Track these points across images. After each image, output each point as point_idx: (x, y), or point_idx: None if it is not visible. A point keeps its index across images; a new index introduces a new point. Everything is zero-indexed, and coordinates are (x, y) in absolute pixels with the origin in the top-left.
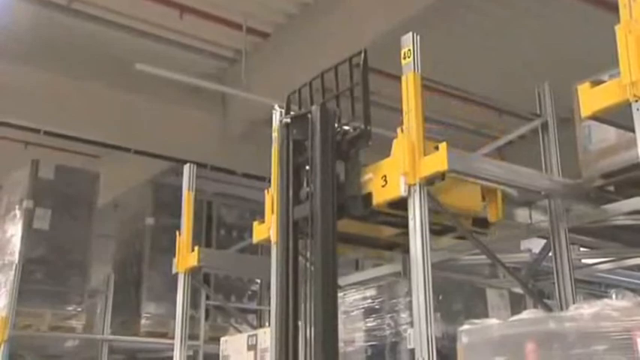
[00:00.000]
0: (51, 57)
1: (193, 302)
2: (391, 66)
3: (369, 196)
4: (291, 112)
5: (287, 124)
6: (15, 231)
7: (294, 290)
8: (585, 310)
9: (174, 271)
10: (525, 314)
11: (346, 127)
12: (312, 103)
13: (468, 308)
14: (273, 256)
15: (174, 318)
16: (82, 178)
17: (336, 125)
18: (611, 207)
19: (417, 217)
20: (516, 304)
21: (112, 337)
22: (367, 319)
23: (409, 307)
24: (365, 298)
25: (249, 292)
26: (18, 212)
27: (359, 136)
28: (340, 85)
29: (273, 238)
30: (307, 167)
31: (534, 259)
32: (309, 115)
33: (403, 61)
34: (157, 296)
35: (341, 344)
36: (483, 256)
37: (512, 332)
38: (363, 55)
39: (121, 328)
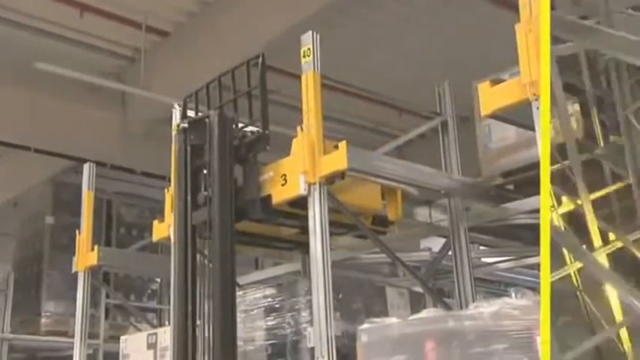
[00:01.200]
0: None
1: (93, 301)
2: (292, 65)
3: (267, 199)
4: (189, 117)
5: (184, 129)
6: None
7: (192, 289)
8: (485, 308)
9: (74, 269)
10: (425, 313)
11: (244, 130)
12: (209, 106)
13: (368, 307)
14: (173, 255)
15: (74, 316)
16: None
17: (234, 128)
18: (510, 206)
19: (316, 216)
20: (416, 303)
21: (11, 335)
22: (267, 318)
23: (309, 305)
24: (265, 297)
25: (149, 291)
26: None
27: (257, 140)
28: (238, 87)
29: (173, 238)
30: (205, 171)
31: (434, 257)
32: (207, 120)
33: (303, 60)
34: (57, 295)
35: (241, 343)
36: (383, 255)
37: (411, 331)
38: (261, 58)
39: (21, 326)
